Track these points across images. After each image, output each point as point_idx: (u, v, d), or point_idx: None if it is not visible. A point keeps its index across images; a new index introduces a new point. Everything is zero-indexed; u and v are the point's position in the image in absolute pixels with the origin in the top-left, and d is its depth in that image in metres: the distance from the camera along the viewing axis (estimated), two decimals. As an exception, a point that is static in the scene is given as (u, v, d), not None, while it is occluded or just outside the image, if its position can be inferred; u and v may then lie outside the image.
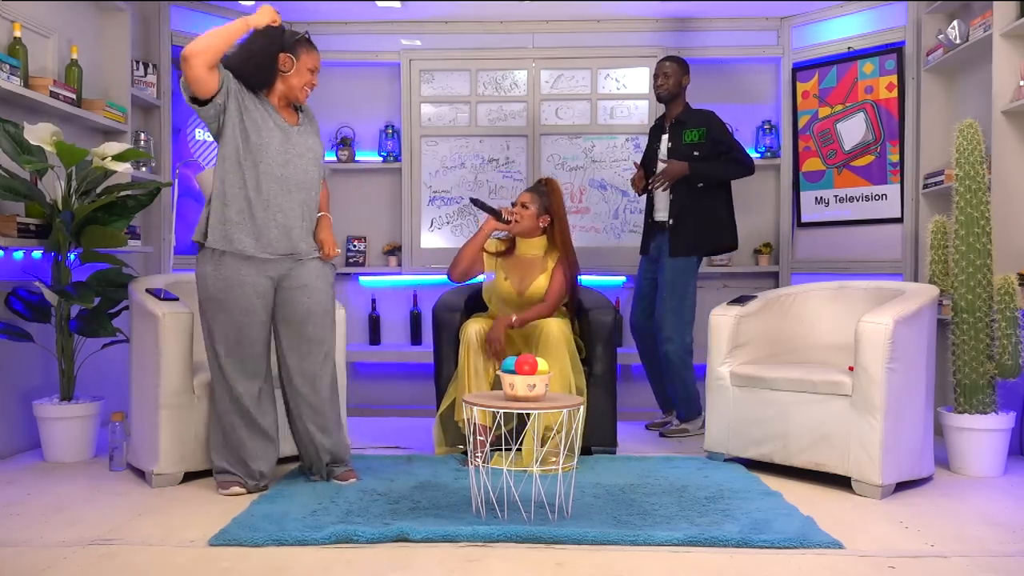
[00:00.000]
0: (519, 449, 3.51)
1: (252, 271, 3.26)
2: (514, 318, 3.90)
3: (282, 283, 3.34)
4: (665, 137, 4.69)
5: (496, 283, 4.08)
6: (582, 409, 3.05)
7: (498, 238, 4.18)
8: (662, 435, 4.56)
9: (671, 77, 4.66)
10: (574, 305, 4.14)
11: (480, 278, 4.17)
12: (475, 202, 4.11)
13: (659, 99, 4.74)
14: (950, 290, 3.78)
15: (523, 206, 4.04)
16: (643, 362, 4.78)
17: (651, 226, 4.77)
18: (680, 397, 4.57)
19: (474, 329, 3.87)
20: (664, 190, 4.57)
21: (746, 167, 4.59)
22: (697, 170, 4.52)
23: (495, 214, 4.04)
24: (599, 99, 5.66)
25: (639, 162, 4.81)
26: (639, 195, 4.87)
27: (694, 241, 4.58)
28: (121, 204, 3.97)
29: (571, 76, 5.68)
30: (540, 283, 4.01)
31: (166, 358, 3.41)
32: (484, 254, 4.10)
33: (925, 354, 3.53)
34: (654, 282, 4.68)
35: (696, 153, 4.55)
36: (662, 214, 4.66)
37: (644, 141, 5.57)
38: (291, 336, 3.36)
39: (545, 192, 4.07)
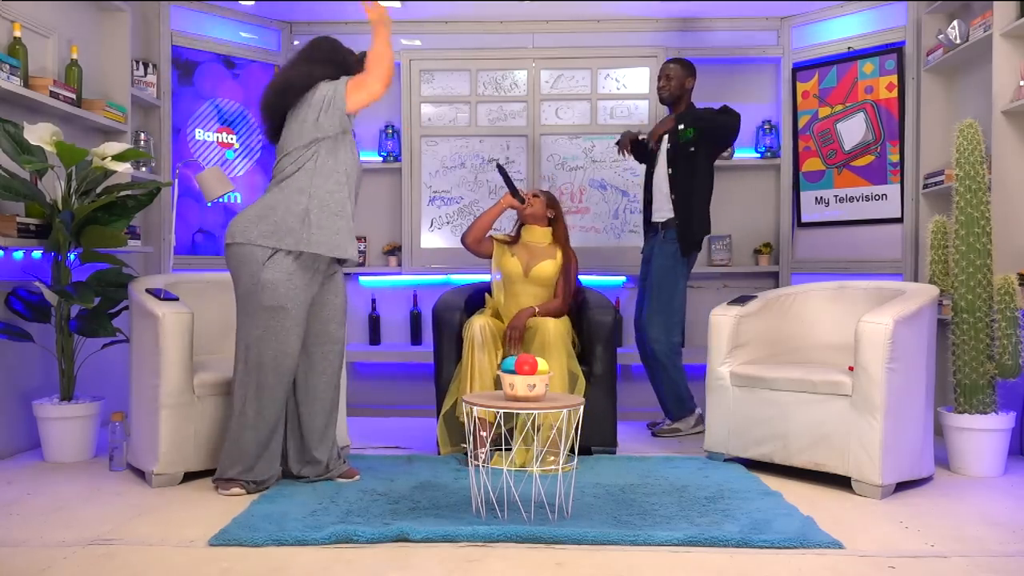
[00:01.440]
0: (508, 448, 3.51)
1: (311, 278, 3.32)
2: (536, 309, 4.01)
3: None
4: (665, 138, 4.69)
5: (504, 261, 4.16)
6: (581, 409, 3.05)
7: (503, 232, 4.32)
8: (654, 435, 4.57)
9: (673, 80, 4.65)
10: (577, 304, 4.19)
11: (485, 277, 4.28)
12: (500, 169, 4.22)
13: (661, 101, 4.73)
14: (950, 290, 3.78)
15: (534, 195, 4.24)
16: (643, 362, 4.78)
17: (648, 227, 4.79)
18: (669, 397, 4.58)
19: (479, 325, 3.88)
20: (656, 145, 4.63)
21: (728, 113, 4.58)
22: (682, 116, 4.55)
23: (513, 190, 4.19)
24: (599, 99, 5.66)
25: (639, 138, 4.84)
26: (626, 153, 4.82)
27: (681, 240, 4.57)
28: (121, 204, 3.97)
29: (571, 76, 5.68)
30: (546, 267, 4.13)
31: (166, 358, 3.40)
32: (494, 240, 4.22)
33: (925, 354, 3.53)
34: (645, 284, 4.69)
35: (692, 149, 4.56)
36: (661, 215, 4.66)
37: (644, 141, 5.61)
38: (314, 332, 3.41)
39: (548, 193, 4.31)
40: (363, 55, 3.47)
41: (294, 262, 3.26)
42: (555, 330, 3.85)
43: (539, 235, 4.22)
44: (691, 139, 4.57)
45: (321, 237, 3.27)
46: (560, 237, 4.23)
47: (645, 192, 4.81)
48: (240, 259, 3.28)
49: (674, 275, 4.57)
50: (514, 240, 4.24)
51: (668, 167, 4.62)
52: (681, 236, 4.56)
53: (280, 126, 3.40)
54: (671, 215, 4.60)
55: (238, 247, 3.28)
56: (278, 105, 3.38)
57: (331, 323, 3.45)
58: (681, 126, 4.56)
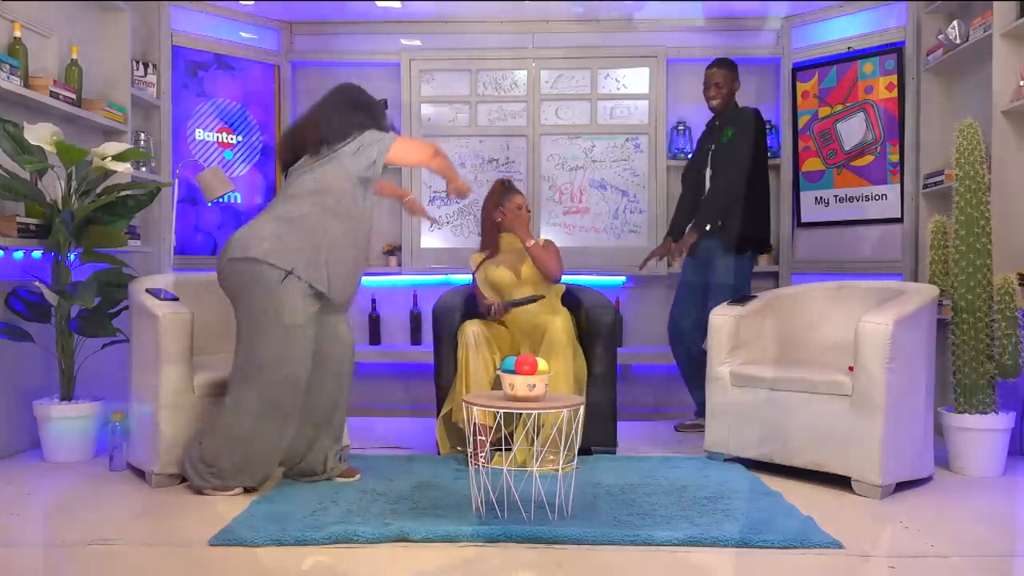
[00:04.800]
0: (508, 448, 3.51)
1: (315, 299, 3.34)
2: (543, 241, 4.08)
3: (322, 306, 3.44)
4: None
5: (492, 275, 4.11)
6: (581, 409, 3.05)
7: (479, 252, 4.26)
8: (677, 429, 4.48)
9: (723, 87, 4.63)
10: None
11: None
12: (515, 303, 4.04)
13: (711, 109, 4.71)
14: (950, 290, 3.78)
15: (528, 210, 4.19)
16: (679, 364, 4.71)
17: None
18: None
19: (472, 330, 3.88)
20: (681, 255, 4.65)
21: (721, 194, 4.51)
22: (700, 227, 4.54)
23: (515, 304, 4.01)
24: (599, 99, 5.66)
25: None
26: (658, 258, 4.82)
27: (744, 236, 4.51)
28: (121, 204, 3.98)
29: (571, 76, 5.68)
30: (531, 267, 4.08)
31: (166, 358, 3.40)
32: (478, 274, 4.16)
33: (925, 354, 3.53)
34: (701, 285, 4.58)
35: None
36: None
37: (644, 141, 5.60)
38: (326, 336, 3.41)
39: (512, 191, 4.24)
40: (384, 102, 3.59)
41: (306, 284, 3.28)
42: (562, 329, 3.82)
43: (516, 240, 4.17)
44: (725, 141, 4.56)
45: (322, 274, 3.30)
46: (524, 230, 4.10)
47: (690, 187, 4.78)
48: (253, 276, 3.24)
49: (731, 279, 4.49)
50: (493, 252, 4.19)
51: (709, 169, 4.63)
52: (722, 235, 4.52)
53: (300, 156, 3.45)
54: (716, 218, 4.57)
55: (254, 263, 3.23)
56: (330, 143, 3.39)
57: (340, 325, 3.47)
58: (722, 142, 4.57)
